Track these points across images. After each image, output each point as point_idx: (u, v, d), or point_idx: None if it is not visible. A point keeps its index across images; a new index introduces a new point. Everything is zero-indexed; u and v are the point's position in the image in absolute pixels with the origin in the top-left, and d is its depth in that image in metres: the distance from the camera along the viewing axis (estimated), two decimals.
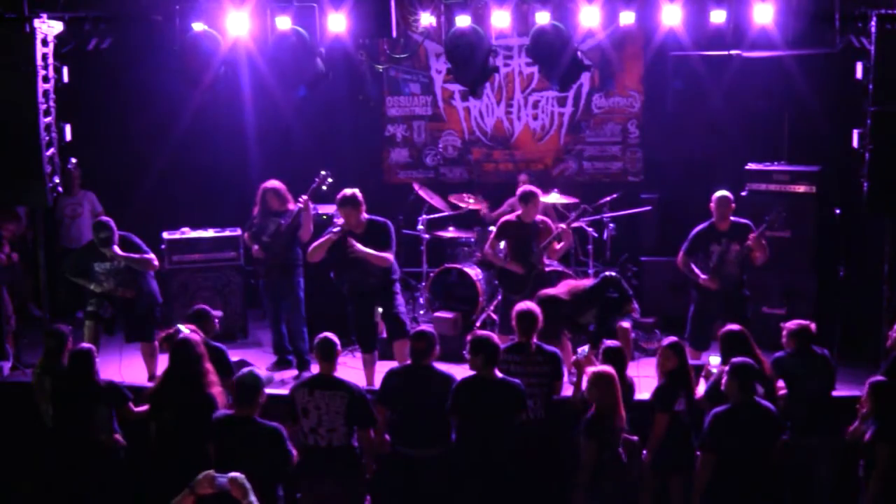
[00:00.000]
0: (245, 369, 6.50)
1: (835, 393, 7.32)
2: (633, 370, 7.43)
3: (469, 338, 6.87)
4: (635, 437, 6.73)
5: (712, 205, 8.54)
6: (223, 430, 6.31)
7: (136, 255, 8.55)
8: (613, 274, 8.39)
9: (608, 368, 6.62)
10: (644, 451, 6.84)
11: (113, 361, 8.63)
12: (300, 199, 8.92)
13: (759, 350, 7.06)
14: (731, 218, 8.54)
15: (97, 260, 8.55)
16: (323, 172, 9.04)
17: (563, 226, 9.03)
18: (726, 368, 6.52)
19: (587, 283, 8.35)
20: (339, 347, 6.80)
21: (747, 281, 8.63)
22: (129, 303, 8.63)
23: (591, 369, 6.69)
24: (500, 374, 6.75)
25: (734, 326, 7.18)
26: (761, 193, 9.64)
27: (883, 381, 6.51)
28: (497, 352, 6.73)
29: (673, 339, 7.10)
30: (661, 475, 6.89)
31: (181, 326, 7.24)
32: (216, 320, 7.61)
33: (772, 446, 6.42)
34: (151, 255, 8.69)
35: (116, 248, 8.45)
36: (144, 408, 7.06)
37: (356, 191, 8.39)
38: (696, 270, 8.54)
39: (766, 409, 6.40)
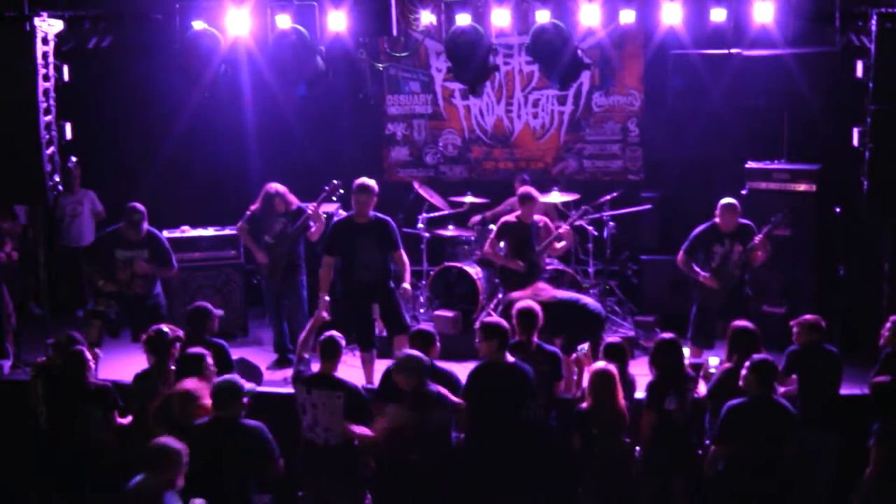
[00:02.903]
0: (225, 376, 6.41)
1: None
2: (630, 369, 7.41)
3: (480, 323, 6.88)
4: (627, 440, 6.73)
5: (718, 211, 8.51)
6: (202, 434, 6.14)
7: (158, 268, 8.81)
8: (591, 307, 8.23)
9: (608, 366, 6.62)
10: (637, 449, 6.85)
11: (116, 361, 8.64)
12: (310, 207, 8.95)
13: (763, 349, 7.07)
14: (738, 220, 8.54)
15: (121, 247, 8.66)
16: (335, 182, 9.08)
17: (564, 227, 9.04)
18: (745, 363, 6.51)
19: (561, 294, 8.29)
20: (342, 347, 6.81)
21: (748, 280, 8.63)
22: (139, 301, 8.65)
23: (591, 366, 6.69)
24: (511, 359, 6.79)
25: (745, 323, 7.18)
26: (761, 192, 9.63)
27: (885, 382, 6.56)
28: (508, 336, 6.80)
29: (667, 335, 7.08)
30: (661, 476, 6.89)
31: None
32: (216, 319, 7.62)
33: (784, 443, 6.44)
34: (172, 269, 8.93)
35: (143, 264, 8.70)
36: (128, 419, 7.04)
37: (374, 182, 8.46)
38: (697, 269, 8.54)
39: (783, 407, 6.42)
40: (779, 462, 6.42)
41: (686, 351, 7.75)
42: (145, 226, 8.72)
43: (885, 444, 6.42)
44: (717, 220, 8.54)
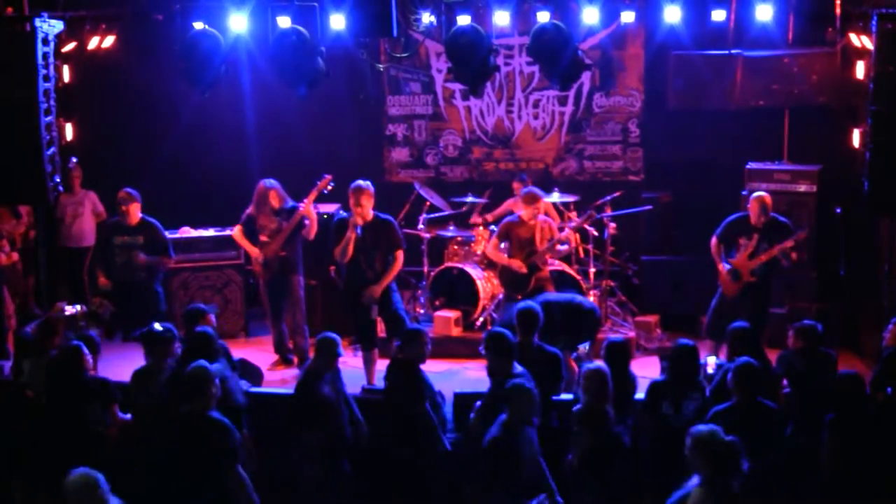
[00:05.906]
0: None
1: None
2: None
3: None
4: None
5: (749, 204, 8.44)
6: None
7: (154, 257, 9.01)
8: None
9: (601, 365, 6.58)
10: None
11: (111, 361, 8.64)
12: (303, 202, 8.95)
13: (765, 348, 7.06)
14: (772, 214, 8.42)
15: (118, 233, 8.94)
16: (326, 176, 9.07)
17: (568, 230, 9.02)
18: (731, 365, 6.51)
19: (554, 296, 8.26)
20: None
21: (770, 282, 8.52)
22: (138, 291, 8.78)
23: (585, 365, 6.67)
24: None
25: (742, 323, 7.16)
26: None
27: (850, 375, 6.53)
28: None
29: (687, 341, 6.99)
30: (660, 477, 6.86)
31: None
32: (212, 316, 7.61)
33: (773, 445, 6.41)
34: (169, 258, 9.15)
35: (141, 255, 8.93)
36: (128, 416, 7.01)
37: (369, 183, 8.46)
38: (722, 258, 8.45)
39: (768, 408, 6.40)
40: (770, 462, 6.38)
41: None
42: (139, 211, 8.98)
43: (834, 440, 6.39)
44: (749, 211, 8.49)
